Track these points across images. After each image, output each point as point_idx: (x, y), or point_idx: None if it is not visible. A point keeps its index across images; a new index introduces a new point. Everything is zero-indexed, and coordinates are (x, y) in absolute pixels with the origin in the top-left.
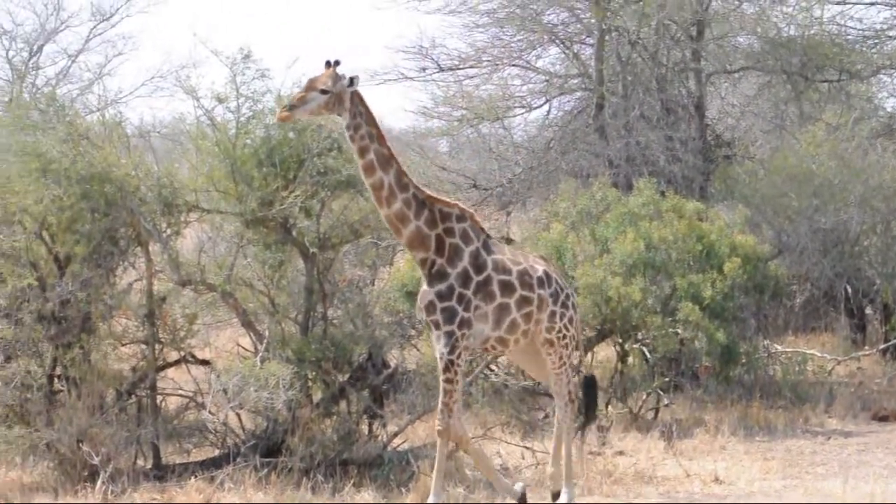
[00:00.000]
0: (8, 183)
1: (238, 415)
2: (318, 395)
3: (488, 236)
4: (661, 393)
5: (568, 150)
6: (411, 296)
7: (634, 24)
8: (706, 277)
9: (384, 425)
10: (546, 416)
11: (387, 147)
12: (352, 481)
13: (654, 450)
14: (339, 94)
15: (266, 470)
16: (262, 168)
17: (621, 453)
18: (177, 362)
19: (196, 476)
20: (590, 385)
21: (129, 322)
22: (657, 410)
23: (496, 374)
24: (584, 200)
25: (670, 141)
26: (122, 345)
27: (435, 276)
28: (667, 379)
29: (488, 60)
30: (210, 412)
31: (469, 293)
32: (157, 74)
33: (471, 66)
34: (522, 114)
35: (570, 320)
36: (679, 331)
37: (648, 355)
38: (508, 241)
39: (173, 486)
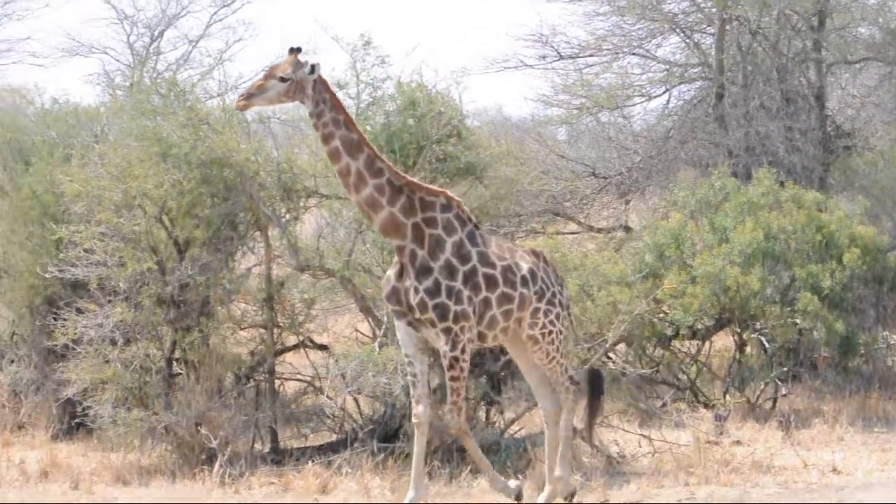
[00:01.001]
0: (129, 167)
1: (356, 399)
2: (435, 381)
3: (476, 227)
4: (779, 383)
5: (687, 139)
6: None
7: (755, 13)
8: (825, 268)
9: (501, 412)
10: (664, 405)
11: (357, 132)
12: (468, 467)
13: (771, 439)
14: (299, 81)
15: (383, 455)
16: (381, 154)
17: (738, 442)
18: (295, 347)
19: (313, 460)
20: (595, 380)
21: (247, 306)
22: (775, 400)
23: (613, 362)
24: (703, 190)
25: (790, 131)
26: (241, 329)
27: (420, 272)
28: (785, 369)
29: (608, 49)
30: (328, 397)
31: (458, 284)
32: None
33: (591, 55)
34: (642, 103)
35: (557, 317)
36: (797, 321)
37: (767, 345)
38: (627, 229)
39: (290, 471)
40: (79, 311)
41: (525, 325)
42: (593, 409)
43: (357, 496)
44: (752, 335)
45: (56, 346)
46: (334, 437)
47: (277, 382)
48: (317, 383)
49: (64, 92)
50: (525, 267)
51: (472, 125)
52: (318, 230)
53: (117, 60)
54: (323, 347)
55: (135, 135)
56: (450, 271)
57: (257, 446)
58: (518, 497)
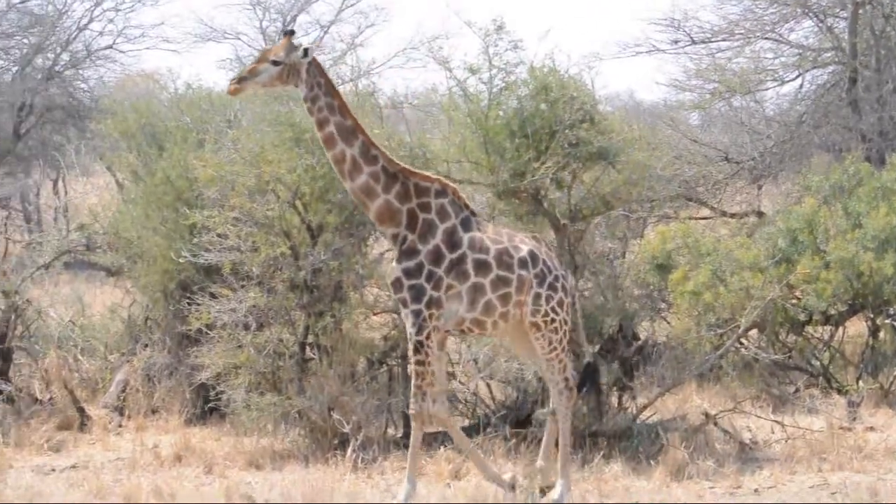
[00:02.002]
0: (262, 152)
1: (488, 385)
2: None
3: (472, 213)
4: None
5: (820, 123)
6: (662, 269)
7: None
8: None
9: (634, 397)
10: (797, 391)
11: (351, 118)
12: (601, 453)
13: None
14: (292, 64)
15: (515, 440)
16: (513, 139)
17: (872, 429)
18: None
19: (445, 446)
20: (591, 372)
21: (380, 291)
22: None
23: (746, 348)
24: (837, 175)
25: None
26: (373, 314)
27: (405, 253)
28: None
29: (741, 33)
30: (460, 382)
31: (440, 271)
32: (410, 45)
33: (723, 39)
34: (774, 87)
35: (560, 303)
36: None
37: None
38: (759, 214)
39: (423, 456)
40: (212, 295)
41: (527, 310)
42: (592, 399)
43: (489, 482)
44: (886, 321)
45: (190, 330)
46: (467, 422)
47: (410, 367)
48: (449, 369)
49: (197, 77)
50: (524, 249)
51: (604, 110)
52: None
53: (249, 45)
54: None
55: (268, 120)
56: (436, 257)
57: (390, 431)
58: (512, 487)
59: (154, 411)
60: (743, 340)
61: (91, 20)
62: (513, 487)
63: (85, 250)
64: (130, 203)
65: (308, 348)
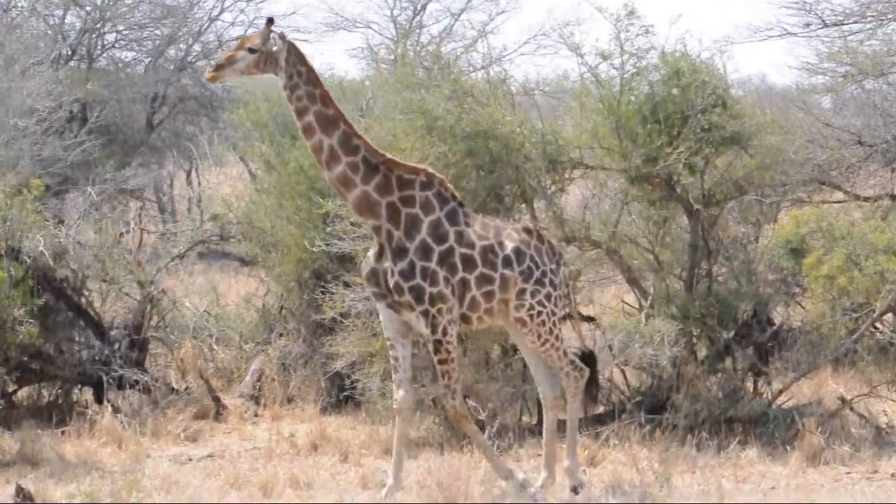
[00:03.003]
0: (394, 140)
1: (623, 371)
2: (702, 352)
3: (460, 204)
4: None
5: None
6: (796, 253)
7: None
8: None
9: (769, 382)
10: None
11: (333, 108)
12: (737, 439)
13: None
14: (269, 53)
15: (651, 426)
16: (645, 125)
17: None
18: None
19: (581, 432)
20: (588, 361)
21: None
22: None
23: (881, 332)
24: None
25: None
26: None
27: (395, 253)
28: None
29: (872, 15)
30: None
31: (433, 265)
32: (540, 32)
33: (855, 22)
34: None
35: (548, 297)
36: None
37: None
38: (893, 197)
39: (557, 443)
40: (346, 284)
41: (511, 306)
42: (590, 391)
43: (625, 468)
44: None
45: (324, 319)
46: (602, 409)
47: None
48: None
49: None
50: (510, 246)
51: (736, 94)
52: (584, 201)
53: (381, 34)
54: (590, 319)
55: (400, 108)
56: (425, 252)
57: (525, 418)
58: (525, 486)
59: (289, 400)
60: (878, 324)
61: (222, 10)
62: (525, 485)
63: (219, 240)
64: (263, 193)
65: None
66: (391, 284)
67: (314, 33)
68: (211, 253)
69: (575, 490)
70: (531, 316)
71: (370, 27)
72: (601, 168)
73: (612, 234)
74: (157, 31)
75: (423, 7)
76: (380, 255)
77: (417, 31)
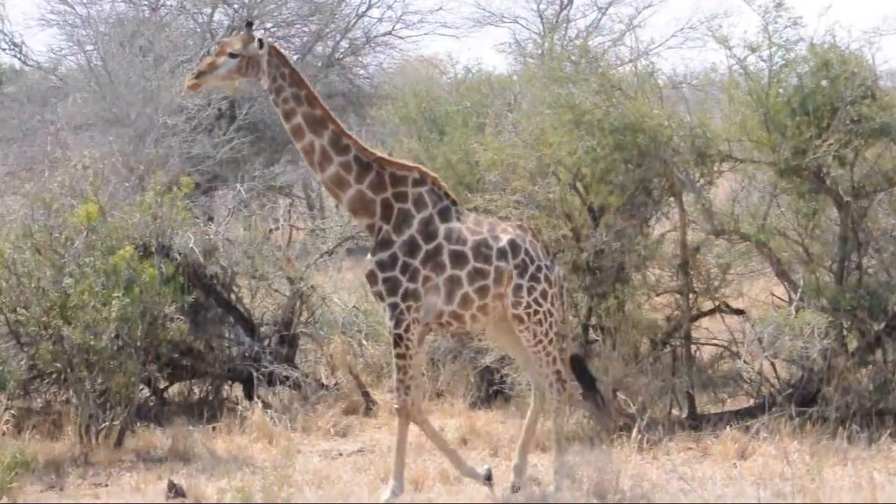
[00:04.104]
0: (542, 135)
1: (772, 364)
2: (853, 344)
3: (453, 202)
4: None
5: None
6: None
7: None
8: None
9: None
10: None
11: (320, 108)
12: (888, 431)
13: None
14: (251, 56)
15: (801, 419)
16: (794, 117)
17: None
18: (711, 311)
19: (730, 426)
20: (577, 367)
21: (662, 272)
22: None
23: None
24: None
25: None
26: (656, 295)
27: (379, 245)
28: None
29: None
30: (745, 361)
31: (416, 262)
32: (688, 25)
33: None
34: None
35: (544, 294)
36: None
37: None
38: None
39: (708, 436)
40: None
41: (508, 302)
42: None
43: (776, 461)
44: None
45: None
46: (751, 402)
47: (693, 347)
48: (733, 348)
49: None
50: (504, 239)
51: (885, 86)
52: (733, 194)
53: (527, 29)
54: (739, 312)
55: (548, 102)
56: (411, 248)
57: (674, 412)
58: (488, 478)
59: (439, 395)
60: None
61: (370, 7)
62: (489, 478)
63: (367, 236)
64: None
65: (591, 330)
66: (365, 272)
67: (461, 28)
68: (359, 249)
69: (514, 488)
70: (528, 314)
71: (517, 22)
72: (750, 161)
73: (761, 227)
74: (305, 28)
75: (570, 1)
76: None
77: (564, 25)
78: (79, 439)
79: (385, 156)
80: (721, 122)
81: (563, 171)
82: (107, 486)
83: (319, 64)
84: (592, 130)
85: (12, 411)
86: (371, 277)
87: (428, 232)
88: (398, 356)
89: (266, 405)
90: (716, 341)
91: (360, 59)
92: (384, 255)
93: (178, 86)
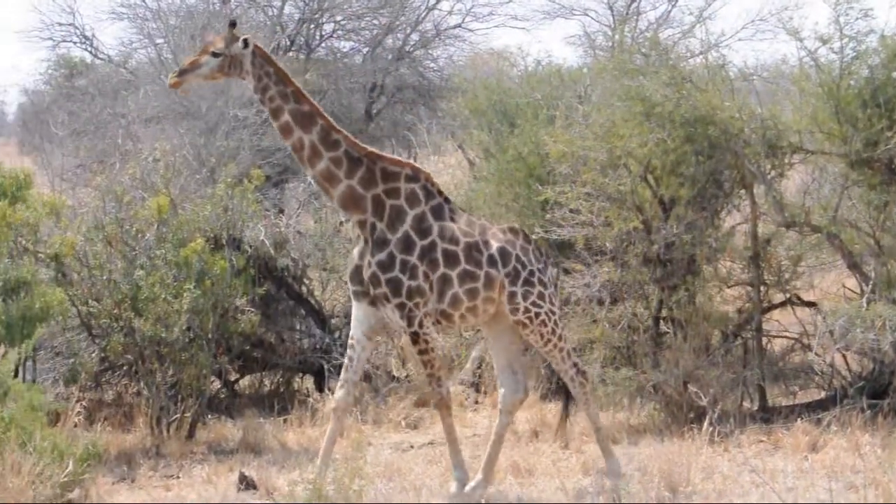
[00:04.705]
0: (613, 127)
1: (844, 356)
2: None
3: (446, 200)
4: None
5: None
6: None
7: None
8: None
9: None
10: None
11: (308, 103)
12: None
13: None
14: (234, 56)
15: (872, 412)
16: (866, 108)
17: None
18: (782, 304)
19: (802, 418)
20: None
21: (733, 264)
22: None
23: None
24: None
25: None
26: (727, 287)
27: (376, 244)
28: None
29: None
30: (816, 354)
31: (413, 259)
32: (758, 17)
33: None
34: None
35: (541, 297)
36: None
37: None
38: None
39: (779, 428)
40: (566, 271)
41: (506, 310)
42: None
43: (847, 453)
44: None
45: None
46: (822, 395)
47: (765, 340)
48: (804, 340)
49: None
50: (495, 246)
51: None
52: (804, 186)
53: (598, 21)
54: (810, 304)
55: (618, 95)
56: (406, 245)
57: (745, 404)
58: (463, 485)
59: None
60: None
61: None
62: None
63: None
64: (482, 180)
65: (662, 322)
66: (367, 275)
67: (531, 21)
68: None
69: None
70: (530, 318)
71: (587, 14)
72: (821, 153)
73: (832, 219)
74: (375, 21)
75: None
76: (363, 253)
77: (635, 17)
78: (150, 431)
79: (376, 150)
80: (792, 114)
81: (634, 164)
82: (178, 477)
83: (390, 57)
84: (663, 122)
85: (84, 403)
86: (374, 280)
87: (422, 229)
88: (420, 352)
89: None
90: (787, 334)
91: (430, 51)
92: (382, 256)
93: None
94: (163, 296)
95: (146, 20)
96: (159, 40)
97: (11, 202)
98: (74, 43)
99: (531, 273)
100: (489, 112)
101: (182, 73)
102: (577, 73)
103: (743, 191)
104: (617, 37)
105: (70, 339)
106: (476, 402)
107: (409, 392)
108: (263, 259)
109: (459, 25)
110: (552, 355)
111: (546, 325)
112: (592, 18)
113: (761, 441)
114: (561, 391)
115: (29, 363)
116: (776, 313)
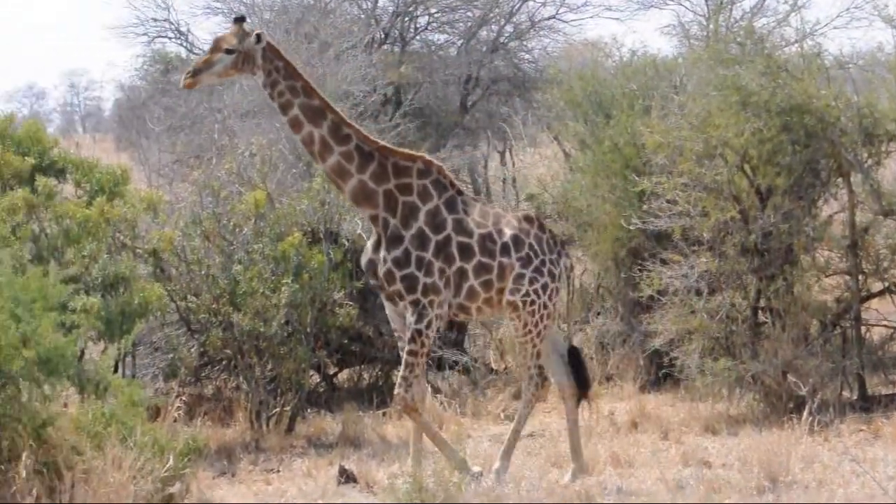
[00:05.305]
0: (709, 117)
1: None
2: None
3: (459, 192)
4: None
5: None
6: None
7: None
8: None
9: None
10: None
11: (318, 98)
12: None
13: None
14: (247, 52)
15: None
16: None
17: None
18: (880, 293)
19: None
20: (574, 357)
21: (830, 253)
22: None
23: None
24: None
25: None
26: (825, 276)
27: (390, 241)
28: None
29: None
30: None
31: (428, 255)
32: (853, 4)
33: None
34: None
35: (544, 287)
36: None
37: None
38: None
39: (879, 417)
40: (663, 262)
41: (507, 289)
42: (580, 391)
43: None
44: None
45: (641, 297)
46: None
47: (864, 329)
48: None
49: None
50: (508, 234)
51: None
52: None
53: (692, 11)
54: None
55: (713, 84)
56: (421, 241)
57: (845, 393)
58: (478, 475)
59: (608, 378)
60: None
61: None
62: (477, 476)
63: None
64: (578, 172)
65: (760, 312)
66: (382, 272)
67: (626, 11)
68: None
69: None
70: (524, 302)
71: (681, 4)
72: None
73: None
74: (469, 13)
75: None
76: (378, 246)
77: (729, 6)
78: (250, 425)
79: (388, 145)
80: (888, 102)
81: (730, 153)
82: (278, 471)
83: (484, 49)
84: (759, 112)
85: (184, 398)
86: (389, 276)
87: (436, 224)
88: (410, 353)
89: (436, 390)
90: (886, 322)
91: (524, 43)
92: (398, 253)
93: (344, 72)
94: (261, 290)
95: None
96: None
97: (109, 198)
98: (169, 38)
99: (542, 262)
100: (584, 103)
101: (196, 72)
102: (672, 63)
103: (840, 179)
104: (711, 26)
105: (169, 335)
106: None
107: (508, 384)
108: (360, 253)
109: (554, 17)
110: (524, 347)
111: (534, 316)
112: (687, 8)
113: (861, 430)
114: (659, 382)
115: (128, 359)
116: (875, 302)
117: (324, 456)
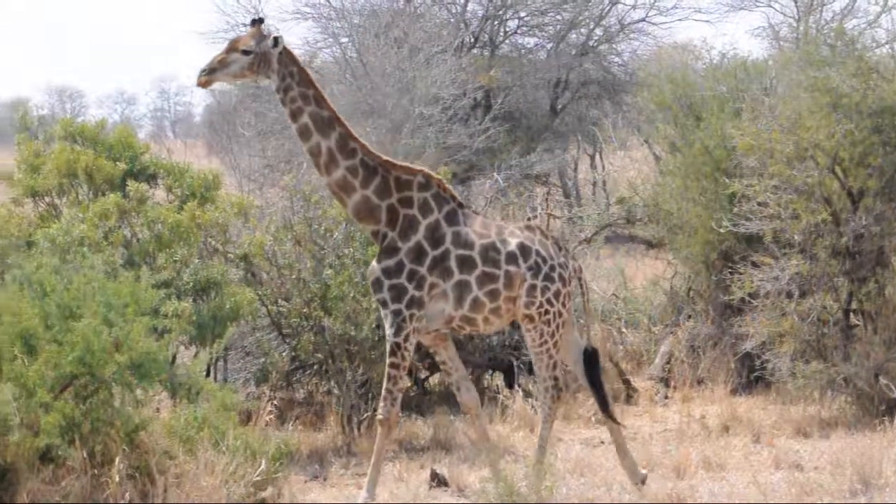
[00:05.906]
0: (799, 119)
1: None
2: None
3: (460, 205)
4: None
5: None
6: None
7: None
8: None
9: None
10: None
11: (328, 109)
12: None
13: None
14: (263, 54)
15: None
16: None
17: None
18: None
19: None
20: (589, 360)
21: None
22: None
23: None
24: None
25: None
26: None
27: (385, 251)
28: None
29: None
30: None
31: (422, 270)
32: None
33: None
34: None
35: (557, 294)
36: None
37: None
38: None
39: None
40: (754, 264)
41: (521, 303)
42: (595, 396)
43: None
44: None
45: (732, 300)
46: None
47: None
48: None
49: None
50: (513, 243)
51: None
52: None
53: (782, 13)
54: None
55: (804, 86)
56: (418, 255)
57: None
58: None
59: (699, 382)
60: None
61: None
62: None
63: (625, 223)
64: (668, 175)
65: (852, 314)
66: (370, 280)
67: (715, 14)
68: (617, 236)
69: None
70: (540, 314)
71: (771, 6)
72: None
73: None
74: (558, 17)
75: None
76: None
77: (819, 8)
78: (341, 430)
79: (391, 159)
80: None
81: (821, 155)
82: None
83: (573, 52)
84: (850, 114)
85: (276, 403)
86: (376, 285)
87: (435, 238)
88: (392, 365)
89: (527, 394)
90: None
91: (614, 46)
92: (390, 263)
93: (434, 76)
94: (352, 294)
95: (330, 20)
96: (344, 39)
97: (200, 203)
98: None
99: (552, 268)
100: (674, 106)
101: (211, 71)
102: (763, 66)
103: None
104: (802, 28)
105: (260, 339)
106: (666, 398)
107: None
108: None
109: (643, 20)
110: (540, 358)
111: (549, 325)
112: (776, 10)
113: None
114: (751, 385)
115: (220, 363)
116: None
117: (415, 460)
